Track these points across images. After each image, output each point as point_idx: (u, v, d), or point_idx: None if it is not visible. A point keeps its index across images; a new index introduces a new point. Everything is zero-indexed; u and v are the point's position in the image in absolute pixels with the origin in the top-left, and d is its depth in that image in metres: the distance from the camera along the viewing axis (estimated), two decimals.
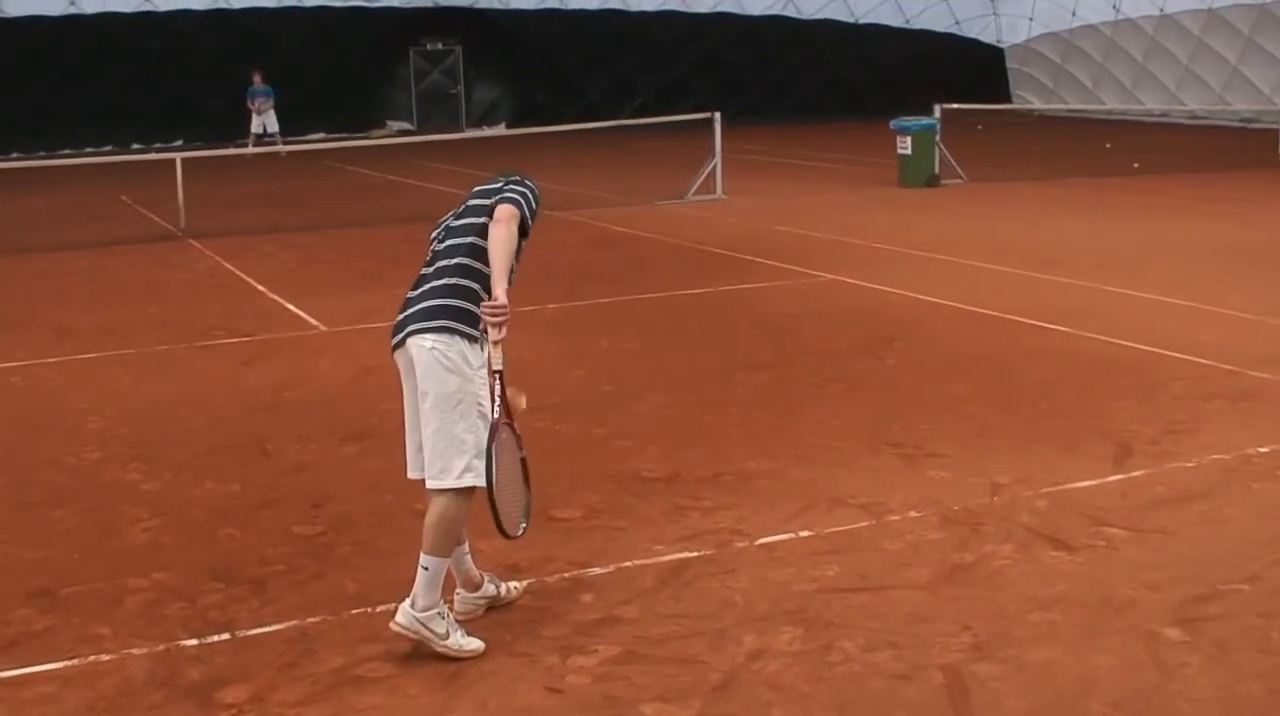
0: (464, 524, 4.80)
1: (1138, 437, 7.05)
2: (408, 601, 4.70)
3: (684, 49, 35.97)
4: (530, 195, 4.82)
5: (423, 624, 4.66)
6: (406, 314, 4.77)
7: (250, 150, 26.09)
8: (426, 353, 4.65)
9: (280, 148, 25.59)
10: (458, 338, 4.65)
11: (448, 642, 4.66)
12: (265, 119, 27.72)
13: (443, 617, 4.69)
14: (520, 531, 4.78)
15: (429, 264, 4.85)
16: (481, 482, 4.62)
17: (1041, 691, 4.36)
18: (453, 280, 4.72)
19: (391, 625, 4.70)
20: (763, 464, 6.77)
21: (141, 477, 6.88)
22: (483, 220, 4.75)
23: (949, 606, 5.01)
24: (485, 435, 4.63)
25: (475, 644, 4.71)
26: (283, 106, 27.69)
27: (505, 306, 4.52)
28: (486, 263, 4.66)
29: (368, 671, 4.62)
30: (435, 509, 4.71)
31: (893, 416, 7.59)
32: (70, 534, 6.13)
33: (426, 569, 4.69)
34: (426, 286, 4.77)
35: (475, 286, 4.69)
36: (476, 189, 4.95)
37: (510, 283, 4.59)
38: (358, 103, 34.00)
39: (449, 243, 4.82)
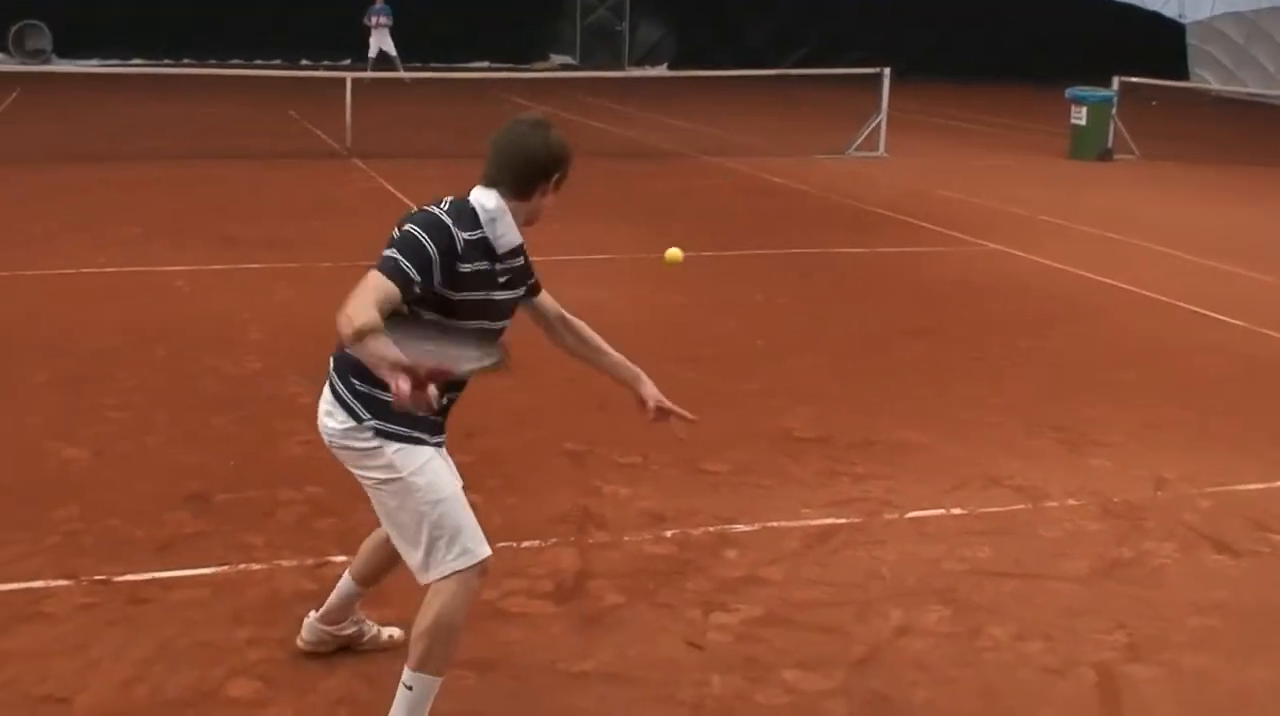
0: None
1: None
2: None
3: None
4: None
5: None
6: None
7: (367, 75, 23.30)
8: None
9: (402, 73, 24.69)
10: None
11: None
12: (381, 40, 26.52)
13: None
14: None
15: None
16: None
17: (1195, 701, 4.20)
18: None
19: None
20: (916, 435, 6.61)
21: (300, 391, 6.93)
22: None
23: (1105, 602, 4.84)
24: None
25: None
26: (447, 34, 27.28)
27: None
28: None
29: (510, 605, 4.64)
30: None
31: (1054, 398, 7.36)
32: (227, 441, 6.25)
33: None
34: None
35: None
36: None
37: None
38: (521, 34, 34.03)
39: None
